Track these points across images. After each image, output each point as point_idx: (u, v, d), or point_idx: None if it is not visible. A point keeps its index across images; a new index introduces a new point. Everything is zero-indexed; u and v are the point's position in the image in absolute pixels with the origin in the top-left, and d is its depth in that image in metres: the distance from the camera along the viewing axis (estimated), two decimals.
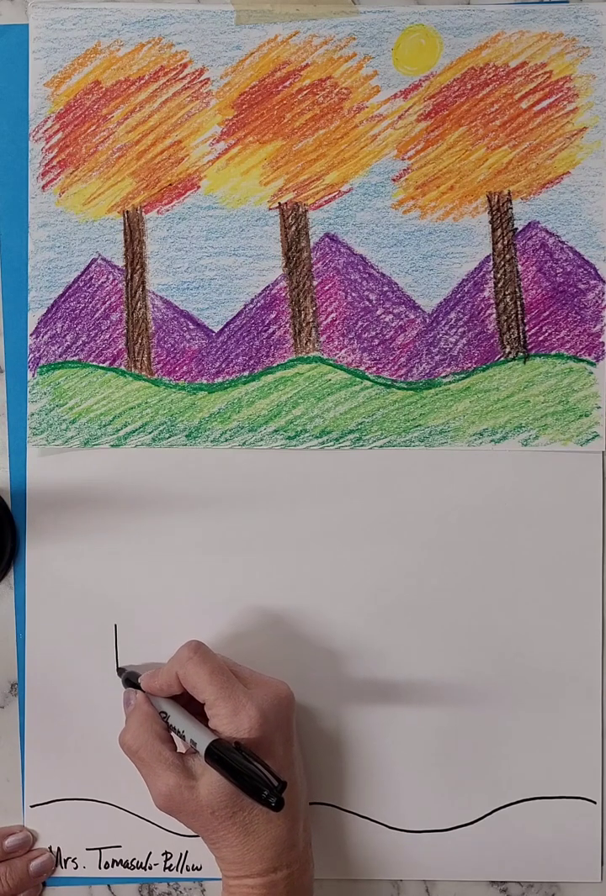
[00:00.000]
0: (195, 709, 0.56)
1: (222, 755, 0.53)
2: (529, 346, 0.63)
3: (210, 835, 0.55)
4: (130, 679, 0.60)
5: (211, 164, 0.63)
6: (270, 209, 0.63)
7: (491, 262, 0.63)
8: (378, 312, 0.63)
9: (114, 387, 0.63)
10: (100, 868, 0.63)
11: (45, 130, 0.63)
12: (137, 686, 0.59)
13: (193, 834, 0.62)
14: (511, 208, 0.63)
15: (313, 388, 0.63)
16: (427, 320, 0.63)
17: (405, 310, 0.63)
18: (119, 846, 0.63)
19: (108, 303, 0.63)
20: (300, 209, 0.63)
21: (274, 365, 0.63)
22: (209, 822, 0.54)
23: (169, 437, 0.63)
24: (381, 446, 0.63)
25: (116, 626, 0.63)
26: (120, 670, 0.62)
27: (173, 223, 0.63)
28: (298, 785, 0.57)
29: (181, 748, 0.57)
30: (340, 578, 0.63)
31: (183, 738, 0.56)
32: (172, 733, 0.57)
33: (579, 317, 0.63)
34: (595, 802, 0.63)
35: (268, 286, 0.63)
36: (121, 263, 0.63)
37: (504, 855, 0.63)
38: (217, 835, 0.54)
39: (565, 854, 0.63)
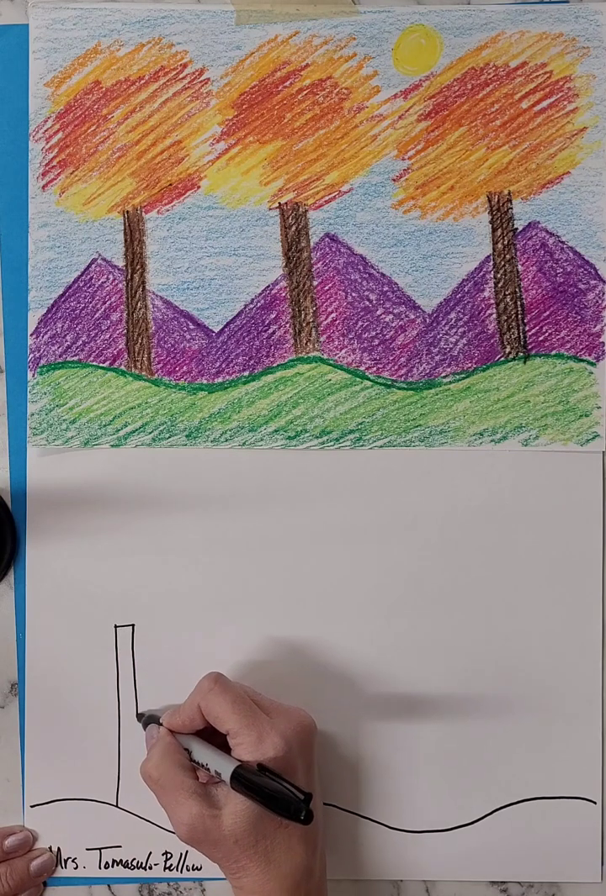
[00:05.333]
0: (218, 743, 0.56)
1: (247, 777, 0.53)
2: (529, 346, 0.63)
3: (232, 864, 0.54)
4: (150, 721, 0.60)
5: (211, 164, 0.63)
6: (270, 209, 0.63)
7: (491, 262, 0.63)
8: (378, 312, 0.63)
9: (114, 387, 0.63)
10: (100, 868, 0.63)
11: (46, 130, 0.63)
12: (148, 725, 0.60)
13: None
14: (511, 208, 0.63)
15: (313, 388, 0.63)
16: (427, 320, 0.63)
17: (405, 310, 0.63)
18: (119, 846, 0.63)
19: (108, 303, 0.63)
20: (300, 209, 0.63)
21: (274, 365, 0.63)
22: (232, 851, 0.54)
23: (169, 437, 0.63)
24: (381, 446, 0.63)
25: (116, 626, 0.63)
26: (140, 715, 0.62)
27: (173, 223, 0.63)
28: (317, 813, 0.57)
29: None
30: (339, 578, 0.63)
31: (208, 770, 0.55)
32: (197, 769, 0.57)
33: (579, 317, 0.63)
34: (595, 802, 0.63)
35: (268, 286, 0.63)
36: (121, 263, 0.63)
37: (504, 855, 0.63)
38: (239, 864, 0.54)
39: (565, 854, 0.63)
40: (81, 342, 0.63)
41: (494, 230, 0.63)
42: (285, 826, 0.54)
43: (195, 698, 0.57)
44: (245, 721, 0.55)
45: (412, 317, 0.63)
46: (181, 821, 0.54)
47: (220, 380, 0.63)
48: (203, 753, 0.56)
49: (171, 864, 0.63)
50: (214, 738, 0.56)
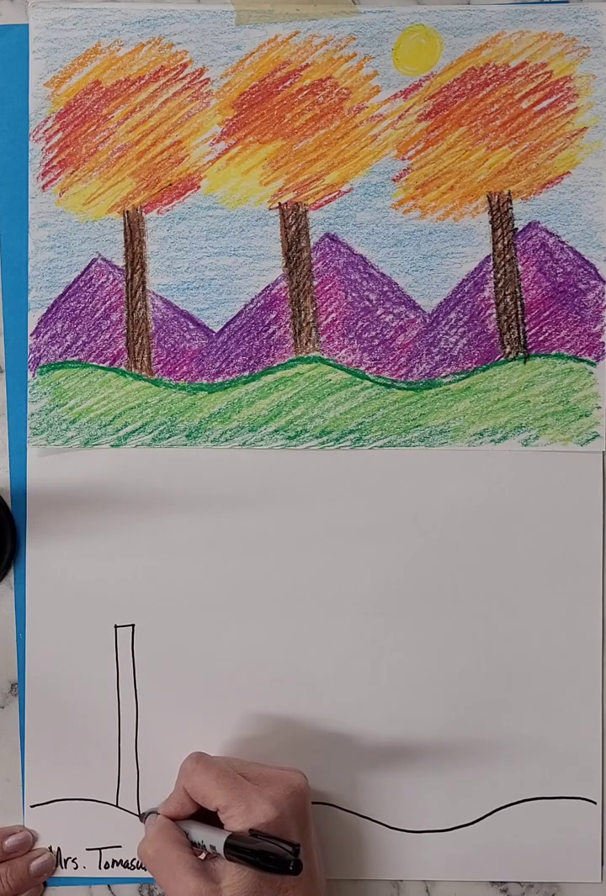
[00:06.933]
0: (217, 823, 0.56)
1: (238, 844, 0.53)
2: (529, 346, 0.63)
3: None
4: (143, 816, 0.61)
5: (211, 164, 0.63)
6: (270, 209, 0.63)
7: (491, 262, 0.63)
8: (378, 312, 0.63)
9: (114, 387, 0.63)
10: (100, 868, 0.63)
11: (46, 130, 0.63)
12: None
13: None
14: (511, 208, 0.63)
15: (313, 388, 0.63)
16: (427, 320, 0.63)
17: (405, 310, 0.63)
18: (119, 846, 0.63)
19: (108, 303, 0.63)
20: (300, 209, 0.63)
21: (274, 365, 0.63)
22: None
23: (169, 437, 0.63)
24: (381, 446, 0.63)
25: (116, 626, 0.63)
26: (141, 815, 0.62)
27: (173, 223, 0.63)
28: (316, 874, 0.57)
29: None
30: (339, 578, 0.63)
31: (205, 849, 0.55)
32: (199, 851, 0.56)
33: (579, 317, 0.63)
34: (595, 802, 0.63)
35: (268, 286, 0.63)
36: (121, 263, 0.63)
37: (504, 855, 0.63)
38: None
39: (565, 854, 0.63)
40: (80, 342, 0.63)
41: (494, 230, 0.63)
42: (284, 891, 0.54)
43: (180, 782, 0.56)
44: (232, 794, 0.54)
45: (412, 317, 0.63)
46: None
47: (220, 380, 0.63)
48: (198, 832, 0.56)
49: None
50: (212, 818, 0.56)
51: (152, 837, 0.56)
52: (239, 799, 0.54)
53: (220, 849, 0.53)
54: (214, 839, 0.54)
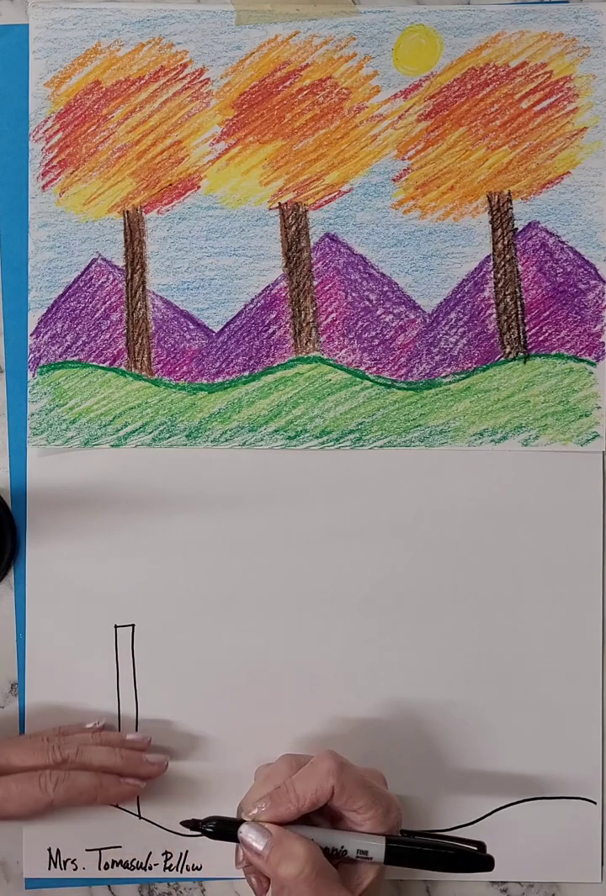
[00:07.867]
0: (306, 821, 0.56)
1: (406, 846, 0.55)
2: (529, 346, 0.63)
3: None
4: (218, 827, 0.56)
5: (211, 164, 0.63)
6: (270, 209, 0.63)
7: (491, 262, 0.63)
8: (378, 312, 0.63)
9: (114, 387, 0.63)
10: (100, 868, 0.63)
11: (46, 130, 0.63)
12: (222, 832, 0.56)
13: (194, 833, 0.62)
14: (511, 208, 0.63)
15: (313, 388, 0.63)
16: (427, 320, 0.63)
17: (405, 310, 0.63)
18: (119, 846, 0.63)
19: (108, 303, 0.63)
20: (300, 209, 0.63)
21: (274, 365, 0.63)
22: None
23: (169, 437, 0.63)
24: (381, 446, 0.63)
25: (116, 626, 0.63)
26: (202, 824, 0.56)
27: (173, 223, 0.63)
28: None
29: None
30: (339, 578, 0.63)
31: (341, 853, 0.55)
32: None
33: (579, 317, 0.63)
34: (595, 802, 0.63)
35: (268, 286, 0.63)
36: (121, 263, 0.63)
37: (504, 855, 0.63)
38: None
39: (565, 854, 0.63)
40: (80, 342, 0.63)
41: (494, 230, 0.63)
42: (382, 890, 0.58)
43: (324, 780, 0.55)
44: (374, 794, 0.55)
45: (412, 317, 0.63)
46: None
47: (220, 380, 0.63)
48: (331, 837, 0.55)
49: (171, 864, 0.63)
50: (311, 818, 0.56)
51: (306, 857, 0.54)
52: (379, 799, 0.55)
53: (374, 852, 0.54)
54: (360, 842, 0.55)
